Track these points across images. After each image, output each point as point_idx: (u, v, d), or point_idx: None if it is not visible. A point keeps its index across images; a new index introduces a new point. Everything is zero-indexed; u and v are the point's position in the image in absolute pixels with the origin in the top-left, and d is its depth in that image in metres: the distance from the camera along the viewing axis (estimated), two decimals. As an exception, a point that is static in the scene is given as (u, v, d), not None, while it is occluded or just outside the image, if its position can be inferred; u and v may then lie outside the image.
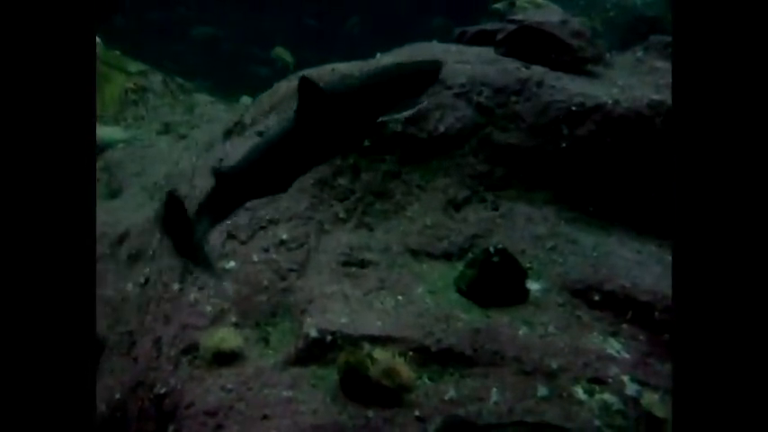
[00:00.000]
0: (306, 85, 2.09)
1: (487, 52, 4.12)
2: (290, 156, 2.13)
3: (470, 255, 3.17)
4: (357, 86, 2.23)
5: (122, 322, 3.33)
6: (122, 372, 3.05)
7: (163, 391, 2.68)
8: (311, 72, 3.98)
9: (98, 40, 6.50)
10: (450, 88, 3.70)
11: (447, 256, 3.23)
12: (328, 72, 3.90)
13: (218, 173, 2.15)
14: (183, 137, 5.51)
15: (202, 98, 6.47)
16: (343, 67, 3.90)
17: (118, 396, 2.93)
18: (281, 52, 8.99)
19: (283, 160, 2.13)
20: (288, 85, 4.05)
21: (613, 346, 2.72)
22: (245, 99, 7.74)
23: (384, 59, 4.13)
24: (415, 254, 3.24)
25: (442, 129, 3.62)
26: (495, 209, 3.43)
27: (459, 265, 3.10)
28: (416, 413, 2.42)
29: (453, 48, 4.22)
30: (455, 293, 3.00)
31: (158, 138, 5.66)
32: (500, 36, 4.16)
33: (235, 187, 2.14)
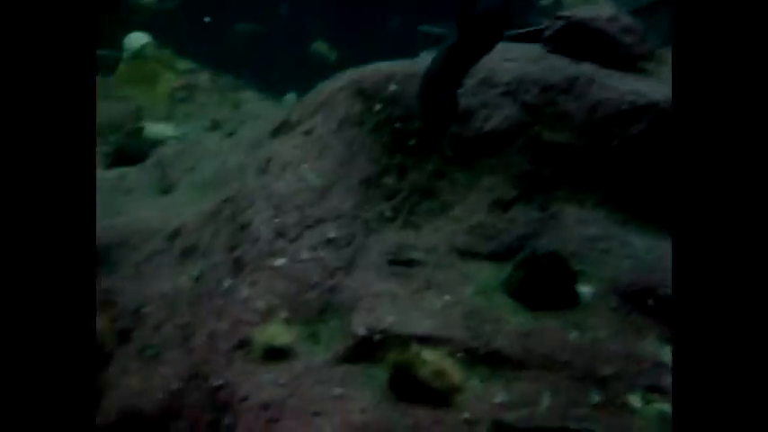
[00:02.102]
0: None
1: (534, 49, 4.07)
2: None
3: (519, 256, 3.15)
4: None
5: (177, 315, 3.43)
6: (178, 363, 3.15)
7: (217, 383, 2.76)
8: (358, 71, 4.01)
9: (150, 38, 6.69)
10: (495, 87, 3.68)
11: (495, 257, 3.23)
12: (371, 71, 3.92)
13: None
14: (231, 134, 5.62)
15: (249, 95, 6.61)
16: (386, 67, 3.91)
17: (175, 386, 3.03)
18: (322, 47, 9.00)
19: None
20: (332, 86, 4.08)
21: (669, 354, 2.67)
22: (291, 96, 7.83)
23: (429, 58, 4.13)
24: (463, 254, 3.25)
25: (488, 128, 3.61)
26: (544, 209, 3.40)
27: (508, 267, 3.09)
28: (466, 415, 2.44)
29: (499, 45, 4.18)
30: (503, 295, 2.99)
31: (206, 135, 5.79)
32: (548, 33, 4.10)
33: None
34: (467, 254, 3.28)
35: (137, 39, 6.69)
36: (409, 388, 2.50)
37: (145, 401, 3.11)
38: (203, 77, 6.56)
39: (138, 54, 6.61)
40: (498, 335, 2.72)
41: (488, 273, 3.15)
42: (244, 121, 5.89)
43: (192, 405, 2.88)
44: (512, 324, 2.78)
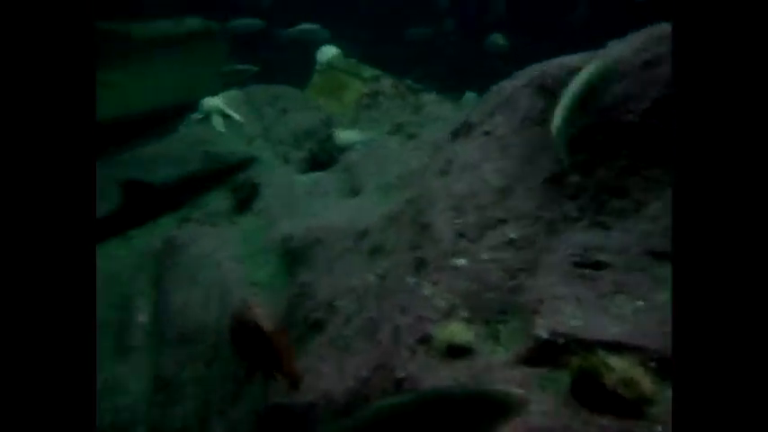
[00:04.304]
0: None
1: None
2: None
3: (724, 260, 2.84)
4: None
5: (365, 309, 3.67)
6: (366, 353, 3.37)
7: (401, 375, 2.90)
8: (539, 67, 3.92)
9: (338, 50, 7.23)
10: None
11: (695, 261, 2.94)
12: (554, 66, 3.80)
13: None
14: (412, 137, 5.84)
15: (429, 98, 6.81)
16: (569, 60, 3.76)
17: (364, 374, 3.25)
18: (498, 39, 8.92)
19: None
20: (513, 84, 4.03)
21: None
22: (470, 95, 7.89)
23: (616, 48, 3.89)
24: (658, 256, 3.01)
25: (688, 118, 3.29)
26: (756, 208, 3.02)
27: (710, 271, 2.79)
28: (658, 429, 2.26)
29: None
30: (705, 302, 2.72)
31: (389, 138, 6.08)
32: None
33: None
34: (663, 256, 3.03)
35: (327, 51, 7.27)
36: (594, 395, 2.38)
37: (335, 386, 3.38)
38: (386, 83, 6.91)
39: (329, 66, 7.17)
40: (698, 346, 2.47)
41: (687, 278, 2.88)
42: (424, 124, 6.08)
43: (377, 393, 3.05)
44: (715, 335, 2.50)
